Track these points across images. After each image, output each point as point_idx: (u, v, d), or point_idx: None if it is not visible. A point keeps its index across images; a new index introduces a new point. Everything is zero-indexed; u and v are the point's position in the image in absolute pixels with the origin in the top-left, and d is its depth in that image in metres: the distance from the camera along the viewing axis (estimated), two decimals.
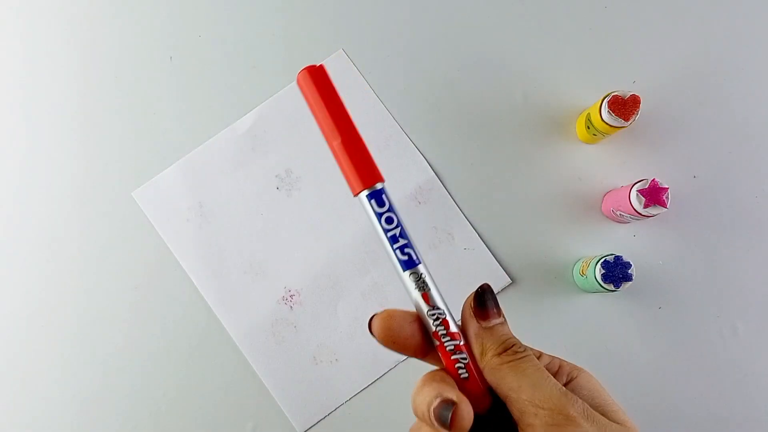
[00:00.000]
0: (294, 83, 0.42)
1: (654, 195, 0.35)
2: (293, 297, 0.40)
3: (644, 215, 0.35)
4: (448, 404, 0.22)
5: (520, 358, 0.24)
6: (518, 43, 0.42)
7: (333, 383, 0.39)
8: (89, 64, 0.43)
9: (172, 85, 0.43)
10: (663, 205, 0.35)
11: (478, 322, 0.24)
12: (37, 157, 0.43)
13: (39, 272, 0.42)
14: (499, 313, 0.25)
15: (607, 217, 0.40)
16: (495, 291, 0.40)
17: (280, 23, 0.43)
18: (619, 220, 0.39)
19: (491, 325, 0.24)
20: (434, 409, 0.22)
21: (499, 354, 0.24)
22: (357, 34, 0.43)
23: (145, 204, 0.42)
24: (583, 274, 0.37)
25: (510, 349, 0.24)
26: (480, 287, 0.25)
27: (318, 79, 0.22)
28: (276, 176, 0.41)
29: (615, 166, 0.41)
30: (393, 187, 0.41)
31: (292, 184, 0.41)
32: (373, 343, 0.39)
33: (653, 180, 0.35)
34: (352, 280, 0.40)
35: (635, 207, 0.35)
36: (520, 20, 0.42)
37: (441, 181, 0.41)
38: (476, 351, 0.24)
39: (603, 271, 0.35)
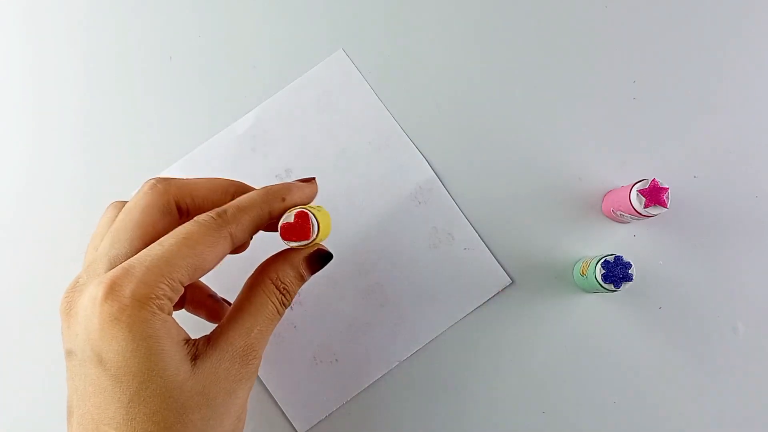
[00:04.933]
0: (294, 83, 0.42)
1: (654, 195, 0.35)
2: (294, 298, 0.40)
3: (644, 215, 0.35)
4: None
5: None
6: (519, 43, 0.42)
7: (333, 384, 0.39)
8: (88, 65, 0.43)
9: (172, 85, 0.43)
10: (663, 205, 0.35)
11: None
12: (35, 157, 0.43)
13: (38, 273, 0.42)
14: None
15: (607, 217, 0.40)
16: (495, 292, 0.40)
17: (280, 23, 0.43)
18: (619, 220, 0.39)
19: None
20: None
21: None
22: (357, 34, 0.43)
23: None
24: (583, 274, 0.37)
25: None
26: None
27: None
28: (276, 176, 0.41)
29: (615, 166, 0.41)
30: (393, 186, 0.41)
31: None
32: (374, 343, 0.39)
33: (653, 180, 0.35)
34: (353, 280, 0.40)
35: (635, 207, 0.35)
36: (520, 23, 0.42)
37: (441, 181, 0.41)
38: None
39: (603, 271, 0.35)
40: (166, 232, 0.27)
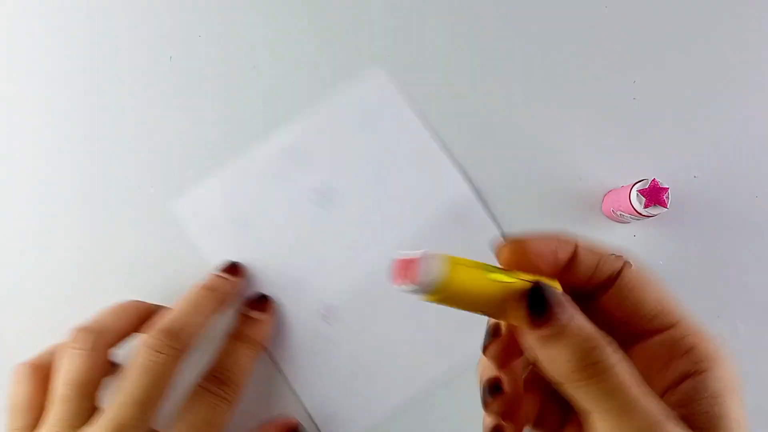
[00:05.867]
0: (333, 100, 0.42)
1: (654, 195, 0.35)
2: (331, 313, 0.40)
3: (644, 215, 0.35)
4: (495, 384, 0.20)
5: (606, 374, 0.18)
6: (519, 44, 0.42)
7: (370, 401, 0.39)
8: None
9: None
10: (663, 205, 0.35)
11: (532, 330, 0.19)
12: (33, 157, 0.43)
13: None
14: (563, 305, 0.19)
15: (607, 217, 0.40)
16: None
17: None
18: (619, 220, 0.39)
19: (557, 327, 0.18)
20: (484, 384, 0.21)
21: (580, 368, 0.18)
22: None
23: (183, 217, 0.41)
24: None
25: (592, 359, 0.18)
26: (533, 286, 0.19)
27: None
28: (317, 193, 0.41)
29: (615, 166, 0.41)
30: (429, 203, 0.41)
31: (333, 201, 0.41)
32: (411, 360, 0.39)
33: (653, 180, 0.35)
34: (390, 297, 0.40)
35: (635, 207, 0.35)
36: (520, 24, 0.42)
37: (478, 198, 0.41)
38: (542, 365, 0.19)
39: None
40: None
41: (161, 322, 0.33)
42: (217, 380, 0.35)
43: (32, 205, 0.42)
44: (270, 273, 0.41)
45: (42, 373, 0.33)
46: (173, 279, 0.41)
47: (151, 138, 0.42)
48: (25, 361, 0.34)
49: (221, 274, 0.38)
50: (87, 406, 0.31)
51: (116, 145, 0.43)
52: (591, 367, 0.18)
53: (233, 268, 0.39)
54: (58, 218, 0.42)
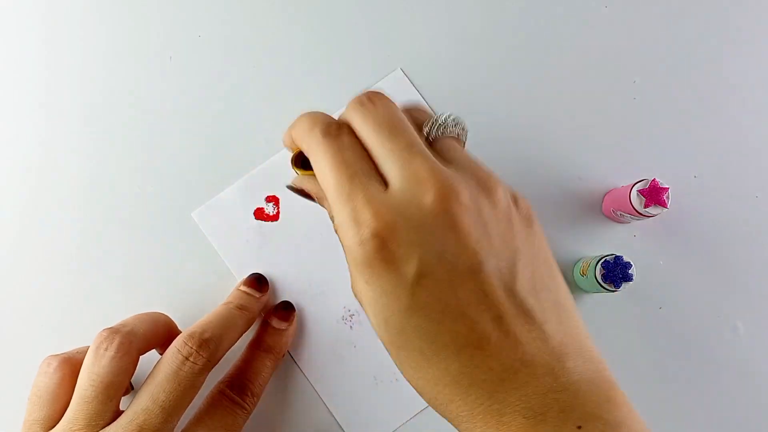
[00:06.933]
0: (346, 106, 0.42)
1: (654, 195, 0.35)
2: (353, 317, 0.40)
3: (644, 215, 0.35)
4: None
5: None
6: (519, 44, 0.42)
7: (394, 403, 0.39)
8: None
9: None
10: (663, 205, 0.35)
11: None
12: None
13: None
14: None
15: (607, 217, 0.40)
16: None
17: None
18: (619, 220, 0.39)
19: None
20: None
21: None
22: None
23: (204, 224, 0.41)
24: (583, 274, 0.37)
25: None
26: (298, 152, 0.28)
27: None
28: None
29: (615, 166, 0.41)
30: None
31: None
32: None
33: (653, 180, 0.35)
34: None
35: (635, 207, 0.35)
36: (520, 24, 0.42)
37: None
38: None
39: (603, 271, 0.35)
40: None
41: (195, 331, 0.33)
42: (238, 388, 0.35)
43: (48, 212, 0.42)
44: (292, 278, 0.41)
45: (70, 367, 0.33)
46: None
47: (151, 138, 0.43)
48: (55, 354, 0.34)
49: (249, 291, 0.38)
50: (109, 408, 0.31)
51: (114, 146, 0.43)
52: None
53: (259, 284, 0.39)
54: (65, 223, 0.42)
